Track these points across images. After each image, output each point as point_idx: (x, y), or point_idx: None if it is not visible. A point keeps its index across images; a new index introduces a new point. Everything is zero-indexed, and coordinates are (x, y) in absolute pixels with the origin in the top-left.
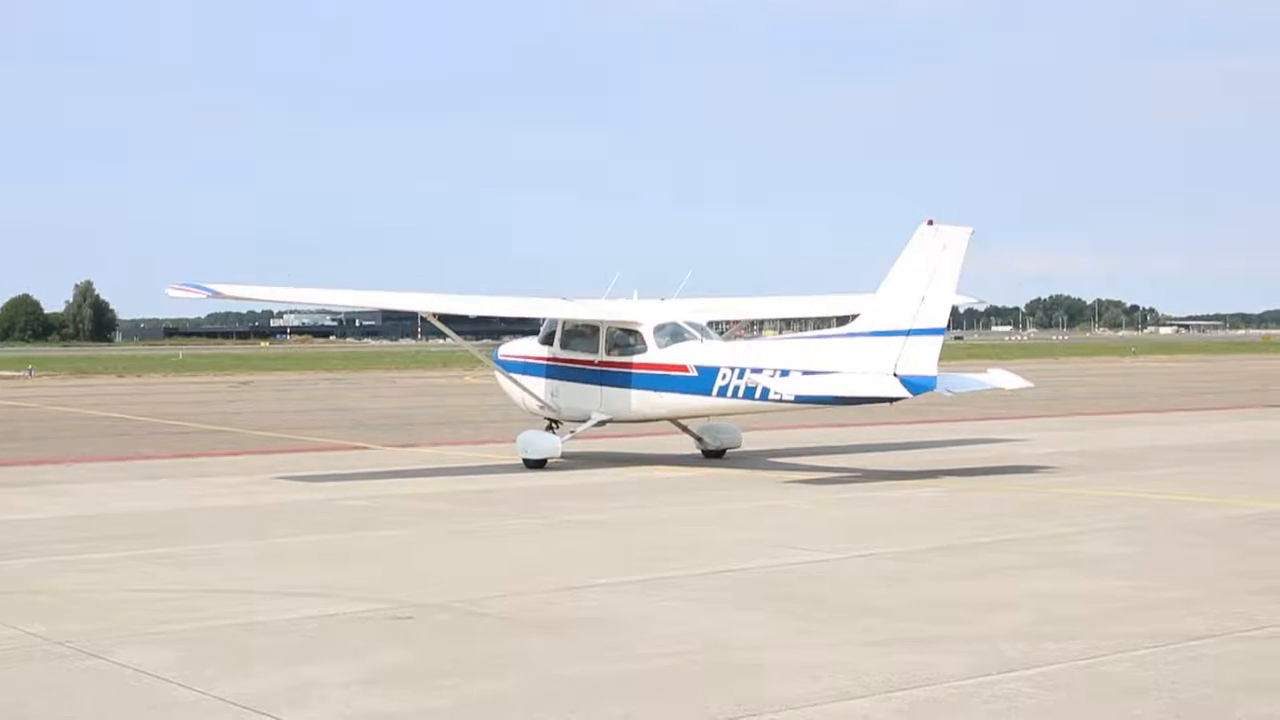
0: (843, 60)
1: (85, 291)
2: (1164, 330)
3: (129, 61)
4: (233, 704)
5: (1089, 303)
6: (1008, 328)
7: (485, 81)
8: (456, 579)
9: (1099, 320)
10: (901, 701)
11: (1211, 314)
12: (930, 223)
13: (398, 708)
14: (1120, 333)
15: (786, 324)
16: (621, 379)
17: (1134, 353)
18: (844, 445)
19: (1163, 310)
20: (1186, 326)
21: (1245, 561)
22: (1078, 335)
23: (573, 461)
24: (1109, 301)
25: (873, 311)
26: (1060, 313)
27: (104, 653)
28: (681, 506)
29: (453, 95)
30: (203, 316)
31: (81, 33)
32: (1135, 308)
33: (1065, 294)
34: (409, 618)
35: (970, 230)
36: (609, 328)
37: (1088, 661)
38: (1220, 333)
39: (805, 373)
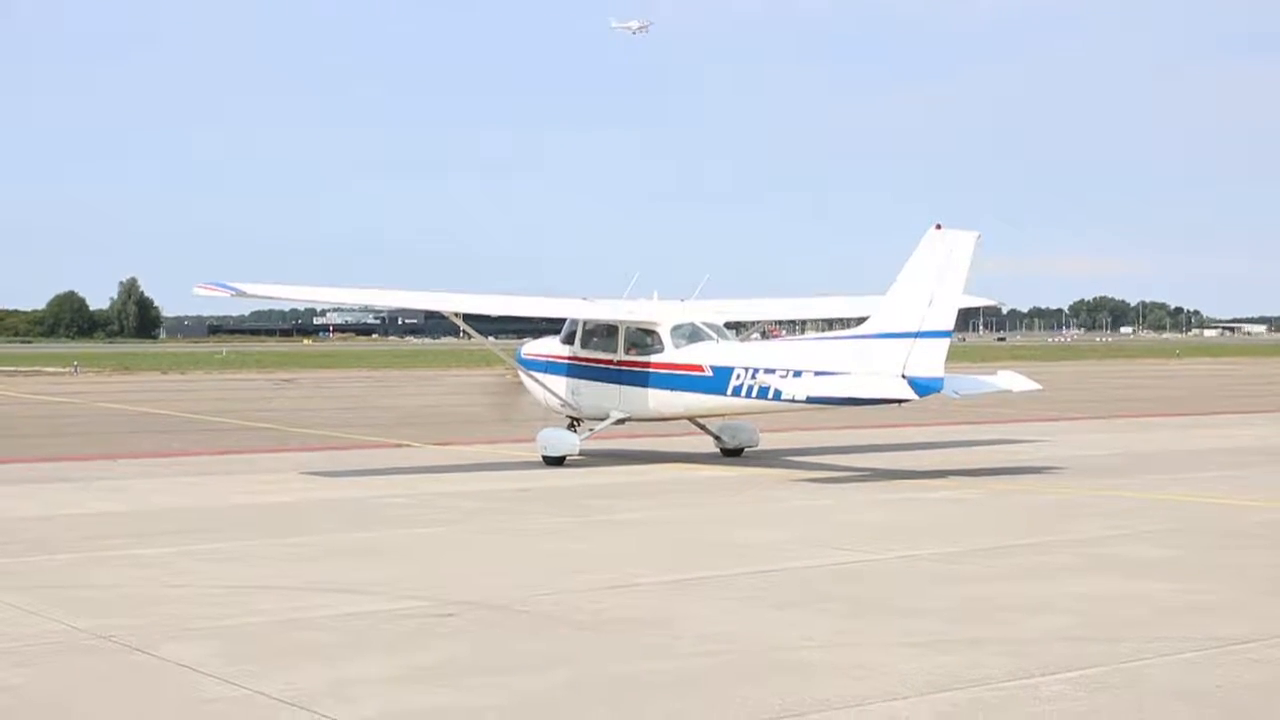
0: (881, 60)
1: (130, 289)
2: (1208, 333)
3: (176, 60)
4: (276, 699)
5: (1133, 304)
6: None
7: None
8: (497, 577)
9: (1143, 322)
10: (944, 703)
11: (1256, 316)
12: (938, 227)
13: (440, 705)
14: (1164, 335)
15: (828, 324)
16: (640, 378)
17: (1178, 355)
18: (870, 445)
19: (1207, 313)
20: (1231, 329)
21: None
22: (1121, 337)
23: (599, 459)
24: (1153, 303)
25: (882, 314)
26: (1104, 314)
27: (148, 647)
28: (717, 506)
29: (477, 96)
30: (246, 314)
31: (124, 31)
32: (1179, 310)
33: (1109, 295)
34: (450, 615)
35: (977, 235)
36: (628, 328)
37: (1132, 665)
38: (1266, 334)
39: (817, 374)
